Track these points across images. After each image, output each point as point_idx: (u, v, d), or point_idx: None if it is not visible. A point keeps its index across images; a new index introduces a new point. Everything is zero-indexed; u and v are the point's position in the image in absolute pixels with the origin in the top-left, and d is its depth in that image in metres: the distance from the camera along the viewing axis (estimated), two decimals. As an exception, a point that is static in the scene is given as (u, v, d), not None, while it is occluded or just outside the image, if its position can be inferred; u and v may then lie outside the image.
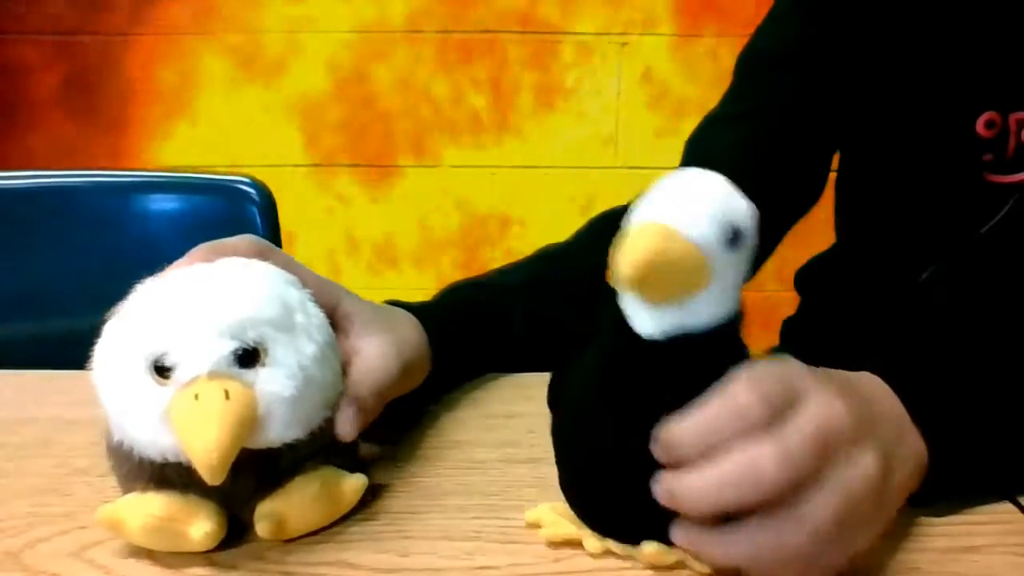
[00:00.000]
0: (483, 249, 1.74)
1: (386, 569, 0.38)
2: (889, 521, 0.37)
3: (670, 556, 0.37)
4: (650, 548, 0.37)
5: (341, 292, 0.48)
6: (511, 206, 1.72)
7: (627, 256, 0.32)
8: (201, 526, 0.38)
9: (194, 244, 0.45)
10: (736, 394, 0.34)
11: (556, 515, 0.40)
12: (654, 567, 0.38)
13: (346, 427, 0.42)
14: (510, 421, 0.53)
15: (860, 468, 0.35)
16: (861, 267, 0.78)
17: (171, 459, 0.37)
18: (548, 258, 0.68)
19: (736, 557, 0.34)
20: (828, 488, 0.33)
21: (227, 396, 0.36)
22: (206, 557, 0.39)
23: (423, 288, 1.71)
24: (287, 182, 1.66)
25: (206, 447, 0.35)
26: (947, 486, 0.41)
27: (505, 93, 1.67)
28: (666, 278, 0.32)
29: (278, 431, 0.38)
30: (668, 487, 0.34)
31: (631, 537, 0.38)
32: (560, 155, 1.68)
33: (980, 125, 0.63)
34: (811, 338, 0.82)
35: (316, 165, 1.69)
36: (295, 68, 1.65)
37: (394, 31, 1.64)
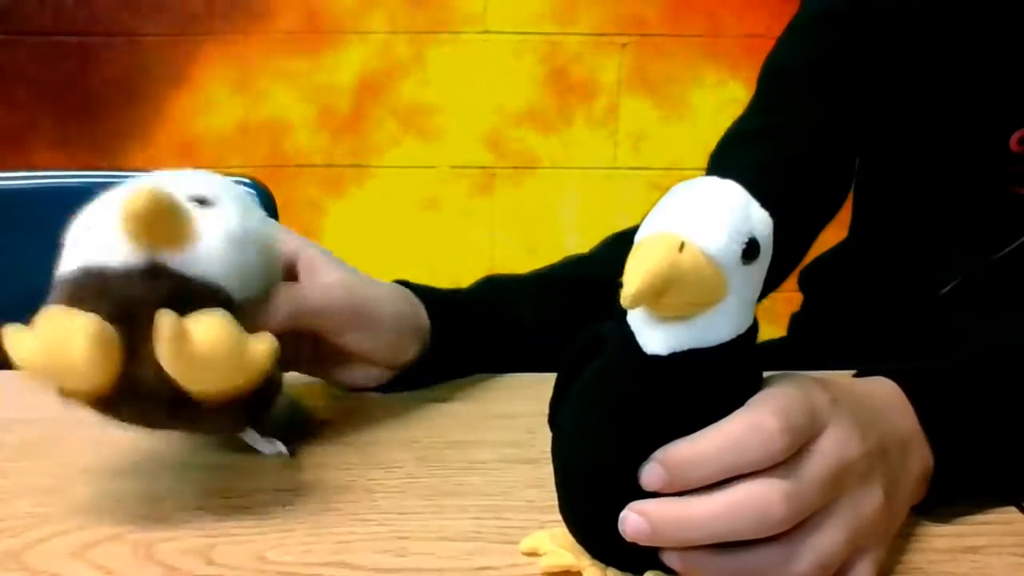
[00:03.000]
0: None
1: (385, 569, 0.38)
2: (889, 540, 0.38)
3: None
4: None
5: (310, 247, 0.52)
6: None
7: (638, 269, 0.30)
8: (85, 330, 0.37)
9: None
10: (763, 421, 0.32)
11: (553, 543, 0.38)
12: None
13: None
14: (510, 421, 0.53)
15: (867, 499, 0.35)
16: (876, 272, 0.78)
17: (92, 264, 0.40)
18: (569, 264, 0.69)
19: None
20: (836, 520, 0.34)
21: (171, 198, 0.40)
22: (205, 556, 0.39)
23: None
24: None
25: (138, 188, 0.39)
26: (951, 496, 0.42)
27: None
28: (679, 292, 0.30)
29: (205, 262, 0.41)
30: (662, 513, 0.32)
31: (633, 566, 0.35)
32: (560, 155, 1.68)
33: (1013, 142, 0.64)
34: (818, 335, 0.82)
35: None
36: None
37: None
